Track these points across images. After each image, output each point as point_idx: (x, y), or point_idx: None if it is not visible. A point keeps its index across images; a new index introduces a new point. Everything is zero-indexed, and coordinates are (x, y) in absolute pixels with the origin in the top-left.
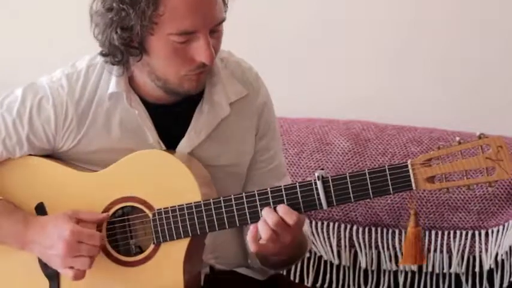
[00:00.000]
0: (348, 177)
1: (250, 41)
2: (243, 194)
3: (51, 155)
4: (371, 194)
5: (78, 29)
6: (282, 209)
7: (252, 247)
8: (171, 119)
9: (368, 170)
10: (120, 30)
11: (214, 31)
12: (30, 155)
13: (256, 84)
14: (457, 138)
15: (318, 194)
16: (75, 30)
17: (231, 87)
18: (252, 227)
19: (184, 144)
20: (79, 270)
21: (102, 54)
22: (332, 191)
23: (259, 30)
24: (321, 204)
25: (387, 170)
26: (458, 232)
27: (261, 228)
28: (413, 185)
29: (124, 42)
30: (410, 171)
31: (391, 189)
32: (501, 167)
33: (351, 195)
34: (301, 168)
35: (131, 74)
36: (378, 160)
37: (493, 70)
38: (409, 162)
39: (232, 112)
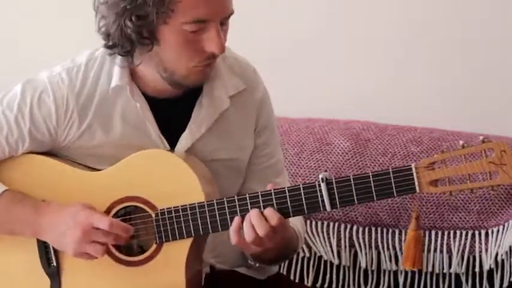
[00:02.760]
0: (352, 180)
1: (250, 41)
2: (247, 195)
3: (54, 154)
4: (375, 196)
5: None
6: (267, 211)
7: (233, 239)
8: (171, 113)
9: (372, 173)
10: (135, 18)
11: (223, 24)
12: (32, 152)
13: (255, 78)
14: (461, 142)
15: (321, 196)
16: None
17: (230, 81)
18: (237, 218)
19: (186, 138)
20: (92, 255)
21: (108, 46)
22: (336, 193)
23: (259, 30)
24: (324, 206)
25: (391, 173)
26: (458, 232)
27: (246, 229)
28: (417, 188)
29: (137, 31)
30: (414, 174)
31: (394, 192)
32: (504, 172)
33: (355, 198)
34: (301, 168)
35: (134, 66)
36: (378, 160)
37: (493, 70)
38: (413, 165)
39: (231, 106)
